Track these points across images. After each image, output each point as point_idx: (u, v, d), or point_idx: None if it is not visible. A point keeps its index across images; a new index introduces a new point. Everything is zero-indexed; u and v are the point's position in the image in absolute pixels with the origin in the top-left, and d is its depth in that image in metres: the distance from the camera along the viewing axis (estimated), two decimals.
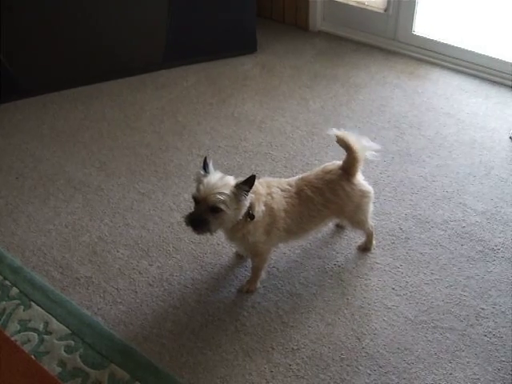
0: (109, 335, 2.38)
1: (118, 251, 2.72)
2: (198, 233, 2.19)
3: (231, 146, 3.33)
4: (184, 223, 2.17)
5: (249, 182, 2.11)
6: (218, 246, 2.74)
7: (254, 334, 2.38)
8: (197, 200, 2.12)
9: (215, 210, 2.09)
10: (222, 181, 2.13)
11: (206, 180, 2.12)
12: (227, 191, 2.10)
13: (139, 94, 3.82)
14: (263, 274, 2.54)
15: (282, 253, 2.71)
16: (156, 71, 3.99)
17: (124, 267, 2.65)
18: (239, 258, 2.69)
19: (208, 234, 2.21)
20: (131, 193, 3.03)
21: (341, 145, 2.41)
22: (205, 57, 4.12)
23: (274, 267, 2.64)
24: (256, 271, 2.51)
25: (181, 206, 2.94)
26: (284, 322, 2.42)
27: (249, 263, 2.62)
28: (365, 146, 2.43)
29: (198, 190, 2.11)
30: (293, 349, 2.33)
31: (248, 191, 2.12)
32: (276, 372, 2.24)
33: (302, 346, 2.34)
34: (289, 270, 2.64)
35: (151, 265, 2.66)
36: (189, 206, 2.88)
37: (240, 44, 4.20)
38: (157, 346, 2.34)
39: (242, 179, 2.14)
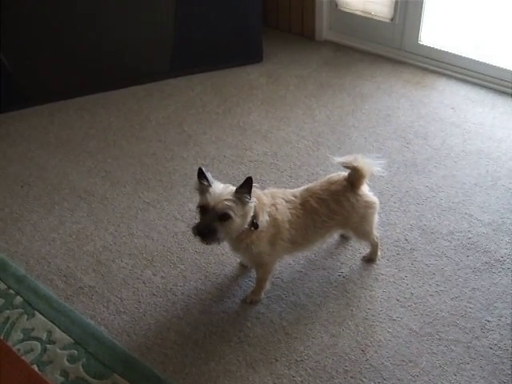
0: (112, 345, 2.38)
1: (122, 261, 2.72)
2: (207, 243, 2.18)
3: (236, 156, 3.33)
4: (192, 234, 2.16)
5: (246, 185, 2.11)
6: (223, 255, 2.74)
7: (258, 345, 2.37)
8: (205, 209, 2.11)
9: (224, 217, 2.09)
10: (225, 189, 2.14)
11: (211, 189, 2.12)
12: (233, 198, 2.10)
13: (145, 103, 3.83)
14: (268, 285, 2.53)
15: (287, 263, 2.70)
16: (162, 80, 4.01)
17: (128, 277, 2.65)
18: (243, 268, 2.69)
19: (216, 244, 2.20)
20: (136, 202, 3.03)
21: (347, 168, 2.42)
22: (211, 66, 4.14)
23: (278, 278, 2.63)
24: (260, 282, 2.50)
25: (185, 216, 2.94)
26: (288, 333, 2.41)
27: (253, 273, 2.61)
28: (369, 162, 2.41)
29: (205, 199, 2.11)
30: (296, 360, 2.31)
31: (248, 194, 2.12)
32: None
33: (306, 357, 2.33)
34: (293, 280, 2.63)
35: (155, 275, 2.66)
36: (194, 216, 2.89)
37: (246, 53, 4.22)
38: (160, 357, 2.33)
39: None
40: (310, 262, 2.72)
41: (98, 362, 2.32)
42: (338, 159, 2.40)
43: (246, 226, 2.19)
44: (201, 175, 2.15)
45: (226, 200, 2.09)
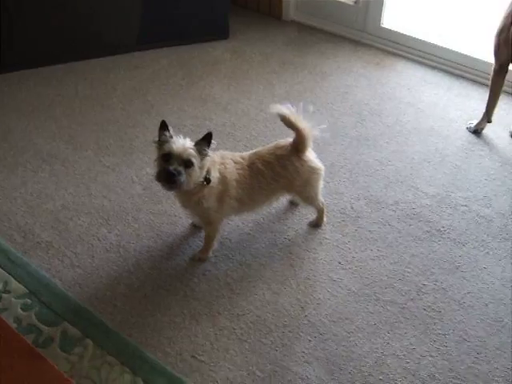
0: (64, 296, 2.49)
1: (79, 219, 2.83)
2: (171, 187, 2.30)
3: (196, 126, 3.44)
4: (157, 180, 2.28)
5: (206, 139, 2.25)
6: (175, 216, 2.86)
7: (203, 299, 2.49)
8: (169, 156, 2.22)
9: (188, 164, 2.22)
10: (186, 141, 2.27)
11: (175, 139, 2.25)
12: (194, 148, 2.24)
13: (112, 73, 3.93)
14: (215, 244, 2.66)
15: (236, 225, 2.83)
16: (130, 53, 4.10)
17: (84, 234, 2.76)
18: (194, 228, 2.81)
19: (177, 189, 2.32)
20: (96, 165, 3.14)
21: (286, 124, 2.51)
22: (178, 41, 4.23)
23: (226, 238, 2.76)
24: (208, 240, 2.63)
25: (143, 180, 3.06)
26: (232, 289, 2.54)
27: (203, 234, 2.72)
28: (308, 126, 2.51)
29: (170, 147, 2.22)
30: (238, 314, 2.44)
31: (207, 147, 2.26)
32: (220, 335, 2.35)
33: (247, 311, 2.45)
34: (241, 241, 2.76)
35: (110, 232, 2.77)
36: (150, 180, 3.01)
37: (213, 30, 4.32)
38: (109, 307, 2.45)
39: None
40: (258, 225, 2.85)
41: (50, 310, 2.43)
42: (276, 109, 2.47)
43: (200, 179, 2.31)
44: (163, 127, 2.28)
45: (190, 148, 2.23)
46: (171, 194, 2.88)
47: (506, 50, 3.22)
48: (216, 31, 4.32)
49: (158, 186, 2.93)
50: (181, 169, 2.22)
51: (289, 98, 3.75)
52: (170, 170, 2.21)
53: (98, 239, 2.74)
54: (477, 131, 3.54)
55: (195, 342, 2.33)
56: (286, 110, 2.46)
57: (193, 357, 2.27)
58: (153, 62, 4.07)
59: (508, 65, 3.31)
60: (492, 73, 3.38)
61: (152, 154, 3.11)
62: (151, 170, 3.08)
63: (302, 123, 2.48)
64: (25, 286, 2.52)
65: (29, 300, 2.47)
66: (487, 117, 3.49)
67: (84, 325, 2.38)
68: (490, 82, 3.44)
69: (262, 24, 4.60)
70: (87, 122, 3.47)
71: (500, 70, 3.33)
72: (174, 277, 2.59)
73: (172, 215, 2.87)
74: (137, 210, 2.90)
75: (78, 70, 3.94)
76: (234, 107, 3.66)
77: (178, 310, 2.45)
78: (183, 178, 2.23)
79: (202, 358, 2.27)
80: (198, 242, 2.74)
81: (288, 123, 2.49)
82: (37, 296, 2.49)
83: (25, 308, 2.44)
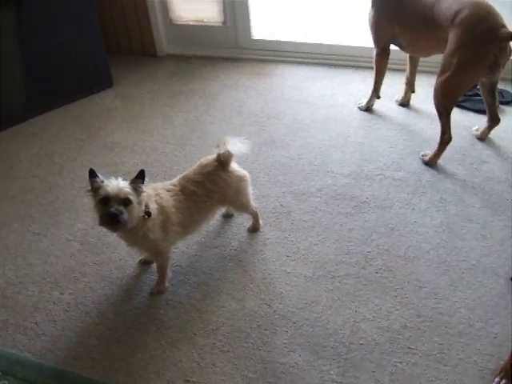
0: (39, 365, 2.45)
1: (27, 290, 2.80)
2: (116, 228, 2.36)
3: (110, 172, 3.41)
4: (101, 224, 2.33)
5: (140, 176, 2.32)
6: (121, 260, 2.89)
7: (175, 326, 2.54)
8: (107, 199, 2.27)
9: (127, 202, 2.28)
10: (119, 180, 2.33)
11: (107, 182, 2.31)
12: (129, 187, 2.31)
13: (11, 145, 3.90)
14: (169, 273, 2.72)
15: (181, 251, 2.90)
16: (22, 122, 4.10)
17: (37, 302, 2.74)
18: (143, 265, 2.86)
19: (122, 229, 2.37)
20: (27, 235, 3.12)
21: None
22: (66, 99, 4.28)
23: (177, 266, 2.82)
24: (162, 271, 2.68)
25: (77, 235, 3.07)
26: (198, 309, 2.61)
27: (153, 269, 2.79)
28: (237, 144, 2.68)
29: (106, 190, 2.27)
30: (212, 329, 2.51)
31: (142, 184, 2.33)
32: (203, 353, 2.41)
33: (221, 324, 2.52)
34: (191, 264, 2.84)
35: (62, 293, 2.77)
36: (85, 234, 3.04)
37: (97, 81, 4.40)
38: (88, 362, 2.44)
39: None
40: (201, 245, 2.94)
41: (30, 383, 2.41)
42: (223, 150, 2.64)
43: (141, 214, 2.38)
44: (92, 174, 2.33)
45: (125, 187, 2.29)
46: (110, 242, 2.95)
47: (383, 36, 3.54)
48: (100, 82, 4.40)
49: (94, 238, 3.02)
50: (121, 208, 2.28)
51: (188, 124, 3.89)
52: (112, 211, 2.27)
53: (54, 303, 2.73)
54: (368, 108, 3.82)
55: (182, 367, 2.37)
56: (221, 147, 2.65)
57: (186, 381, 2.31)
58: (48, 125, 4.08)
59: (389, 47, 3.62)
60: (375, 57, 3.68)
61: (77, 211, 3.21)
62: (82, 225, 3.12)
63: (232, 146, 2.65)
64: None
65: (5, 381, 2.43)
66: (376, 94, 3.79)
67: None
68: (374, 65, 3.73)
69: (140, 64, 4.73)
70: (2, 197, 3.42)
71: (383, 53, 3.65)
72: (140, 315, 2.62)
73: (117, 260, 2.90)
74: (81, 265, 2.91)
75: None
76: (140, 147, 3.74)
77: (155, 343, 2.48)
78: (125, 216, 2.30)
79: (194, 379, 2.31)
80: (151, 277, 2.79)
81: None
82: (11, 374, 2.44)
83: None
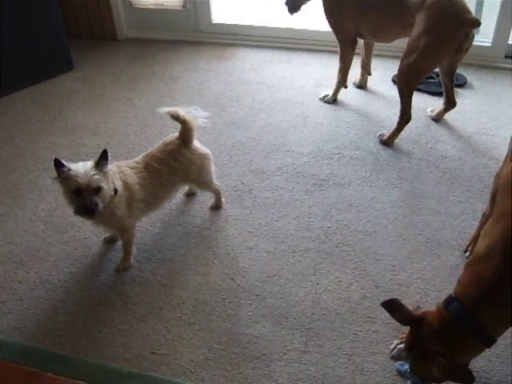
0: (8, 343, 2.46)
1: None
2: (93, 218, 2.43)
3: (73, 154, 3.50)
4: (77, 215, 2.40)
5: (104, 156, 2.36)
6: (86, 239, 2.92)
7: (141, 302, 2.58)
8: (79, 190, 2.31)
9: (99, 190, 2.33)
10: (86, 166, 2.35)
11: (75, 172, 2.31)
12: (97, 171, 2.34)
13: None
14: (134, 250, 2.76)
15: (145, 229, 2.94)
16: None
17: (3, 282, 2.74)
18: (108, 244, 2.89)
19: (98, 215, 2.40)
20: None
21: (174, 119, 2.70)
22: (26, 82, 4.27)
23: (142, 243, 2.86)
24: (127, 247, 2.73)
25: (41, 216, 3.08)
26: (164, 284, 2.66)
27: (118, 247, 2.83)
28: (194, 114, 2.75)
29: (76, 182, 2.29)
30: (178, 304, 2.56)
31: (107, 164, 2.37)
32: (170, 326, 2.46)
33: (186, 298, 2.58)
34: (155, 241, 2.89)
35: (28, 272, 2.78)
36: (49, 214, 3.06)
37: (57, 64, 4.40)
38: (56, 339, 2.46)
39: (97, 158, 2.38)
40: (165, 223, 2.99)
41: None
42: (164, 109, 2.70)
43: (111, 192, 2.42)
44: (58, 165, 2.32)
45: (93, 175, 2.32)
46: (74, 222, 2.97)
47: (348, 28, 3.58)
48: (60, 65, 4.39)
49: (58, 218, 3.05)
50: (95, 199, 2.33)
51: (149, 107, 3.92)
52: (88, 205, 2.32)
53: (19, 282, 2.75)
54: (335, 100, 3.88)
55: (149, 340, 2.42)
56: (172, 108, 2.69)
57: (153, 353, 2.36)
58: (8, 108, 4.07)
59: (356, 40, 3.66)
60: (342, 50, 3.71)
61: (40, 192, 3.22)
62: (45, 205, 3.13)
63: (187, 115, 2.69)
64: None
65: None
66: (343, 83, 3.85)
67: (39, 362, 2.38)
68: (341, 56, 3.74)
69: (100, 48, 4.74)
70: None
71: (352, 44, 3.67)
72: (107, 291, 2.66)
73: (82, 239, 2.93)
74: (46, 244, 2.92)
75: None
76: (102, 129, 3.76)
77: (122, 318, 2.52)
78: (101, 205, 2.36)
79: (161, 352, 2.37)
80: (116, 255, 2.83)
81: (176, 118, 2.68)
82: None
83: None
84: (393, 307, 1.95)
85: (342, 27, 3.61)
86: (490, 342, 1.83)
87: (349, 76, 3.90)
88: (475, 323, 1.80)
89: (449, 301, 1.88)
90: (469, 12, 3.06)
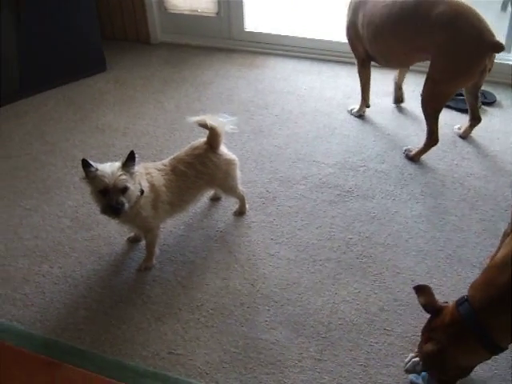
0: (28, 334, 2.52)
1: (17, 263, 2.87)
2: (118, 217, 2.49)
3: (101, 154, 3.56)
4: (104, 214, 2.46)
5: (131, 157, 2.41)
6: (110, 237, 2.97)
7: (161, 302, 2.62)
8: (106, 190, 2.36)
9: (125, 190, 2.38)
10: (113, 166, 2.40)
11: (102, 172, 2.37)
12: (124, 172, 2.39)
13: (3, 124, 3.95)
14: (157, 251, 2.80)
15: (169, 231, 2.99)
16: (15, 102, 4.16)
17: (27, 275, 2.81)
18: (131, 243, 2.94)
19: (124, 215, 2.46)
20: (17, 210, 3.18)
21: (202, 126, 2.76)
22: (59, 81, 4.34)
23: (164, 244, 2.91)
24: (150, 248, 2.77)
25: (67, 212, 3.14)
26: (184, 286, 2.69)
27: (141, 246, 2.88)
28: (222, 121, 2.79)
29: (103, 182, 2.35)
30: (197, 306, 2.59)
31: (133, 165, 2.42)
32: (188, 327, 2.49)
33: (205, 301, 2.61)
34: (178, 243, 2.93)
35: (52, 267, 2.84)
36: (75, 211, 3.12)
37: (90, 65, 4.48)
38: (75, 333, 2.51)
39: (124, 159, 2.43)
40: (188, 226, 3.03)
41: None
42: (193, 119, 2.75)
43: (137, 194, 2.47)
44: (86, 165, 2.38)
45: (120, 176, 2.37)
46: (100, 219, 3.02)
47: (359, 45, 3.56)
48: (94, 65, 4.47)
49: (84, 215, 3.11)
50: (121, 199, 2.38)
51: (179, 111, 3.98)
52: (114, 205, 2.38)
53: (43, 275, 2.80)
54: (361, 115, 3.88)
55: (167, 339, 2.46)
56: (201, 117, 2.74)
57: (169, 353, 2.40)
58: (41, 105, 4.14)
59: (367, 59, 3.62)
60: (358, 67, 3.71)
61: (67, 189, 3.29)
62: (72, 202, 3.19)
63: (215, 122, 2.73)
64: None
65: None
66: (365, 103, 3.85)
67: (58, 354, 2.43)
68: (358, 75, 3.74)
69: (133, 51, 4.81)
70: None
71: (363, 63, 3.66)
72: (127, 290, 2.70)
73: (107, 237, 2.98)
74: (71, 240, 2.98)
75: None
76: (131, 130, 3.82)
77: (141, 317, 2.57)
78: (127, 205, 2.41)
79: (178, 352, 2.40)
80: (138, 255, 2.87)
81: (204, 126, 2.73)
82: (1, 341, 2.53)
83: None
84: (423, 291, 2.09)
85: (354, 46, 3.61)
86: (494, 348, 1.89)
87: (378, 90, 3.91)
88: (480, 326, 1.86)
89: (461, 301, 1.96)
90: (492, 35, 2.95)
